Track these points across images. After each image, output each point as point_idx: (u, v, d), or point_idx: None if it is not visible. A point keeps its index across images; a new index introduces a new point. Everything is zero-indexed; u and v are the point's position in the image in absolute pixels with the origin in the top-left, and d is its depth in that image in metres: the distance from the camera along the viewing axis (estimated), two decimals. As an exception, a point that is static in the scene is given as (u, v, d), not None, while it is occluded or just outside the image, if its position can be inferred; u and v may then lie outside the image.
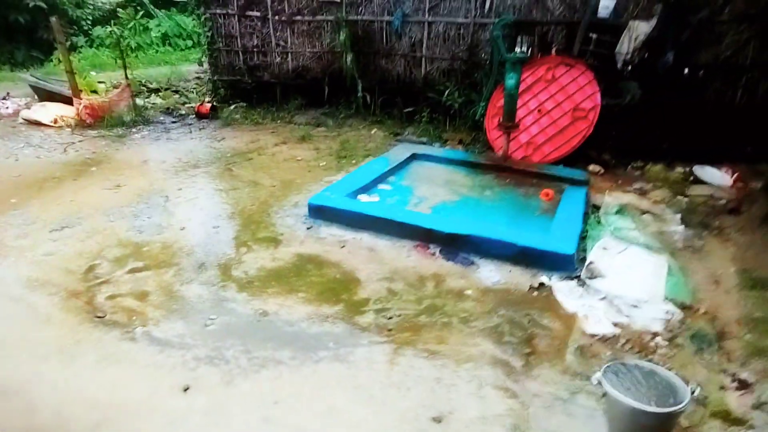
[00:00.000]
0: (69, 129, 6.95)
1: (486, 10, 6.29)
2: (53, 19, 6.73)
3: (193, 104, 8.11)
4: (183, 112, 7.85)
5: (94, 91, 7.94)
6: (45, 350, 2.51)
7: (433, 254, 3.55)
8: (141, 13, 18.84)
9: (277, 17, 7.45)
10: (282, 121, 7.42)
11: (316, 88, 7.73)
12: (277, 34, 7.61)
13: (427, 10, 6.63)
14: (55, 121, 7.11)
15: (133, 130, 6.92)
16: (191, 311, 2.82)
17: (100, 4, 21.06)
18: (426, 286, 3.17)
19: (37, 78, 7.98)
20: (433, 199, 4.45)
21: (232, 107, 7.89)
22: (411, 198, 4.46)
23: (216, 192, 4.72)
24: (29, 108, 7.81)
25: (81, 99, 7.04)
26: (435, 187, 4.75)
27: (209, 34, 8.03)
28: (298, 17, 7.35)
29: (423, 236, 3.65)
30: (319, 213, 3.97)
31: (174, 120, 7.46)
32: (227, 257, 3.43)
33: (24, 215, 4.02)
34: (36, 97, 8.88)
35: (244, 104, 8.00)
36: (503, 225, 3.78)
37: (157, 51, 18.44)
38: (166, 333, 2.63)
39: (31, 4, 17.14)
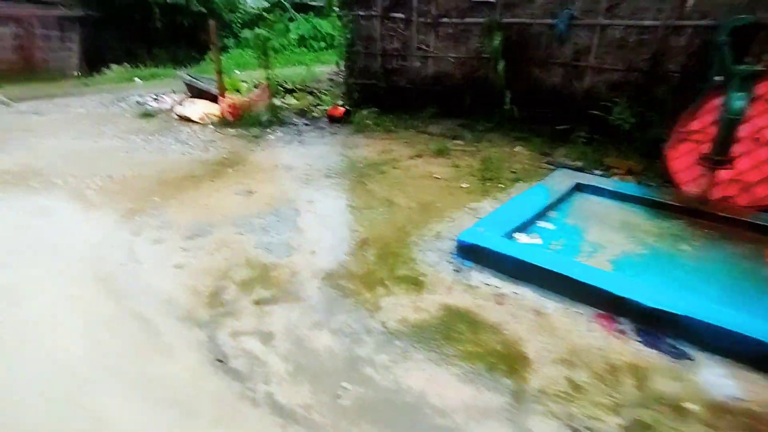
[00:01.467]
0: (212, 126, 7.17)
1: (687, 10, 5.07)
2: (211, 22, 6.96)
3: (326, 107, 7.97)
4: (316, 114, 7.72)
5: (238, 90, 8.19)
6: (162, 395, 2.15)
7: (623, 333, 2.64)
8: (286, 15, 19.94)
9: (421, 19, 6.93)
10: (415, 131, 6.89)
11: (454, 96, 7.08)
12: (420, 37, 7.09)
13: (603, 10, 5.58)
14: (202, 118, 7.39)
15: (268, 130, 6.90)
16: (321, 372, 2.30)
17: (249, 9, 22.93)
18: (622, 383, 2.29)
19: (191, 76, 8.47)
20: (610, 248, 3.49)
21: (365, 112, 7.56)
22: (582, 244, 3.56)
23: (348, 209, 4.28)
24: (182, 104, 8.30)
25: (225, 98, 7.22)
26: (610, 231, 3.78)
27: (349, 36, 7.81)
28: (445, 19, 6.76)
29: (608, 304, 2.76)
30: (469, 253, 3.26)
31: (307, 122, 7.34)
32: (362, 298, 2.89)
33: (162, 217, 3.93)
34: (189, 93, 9.50)
35: (376, 109, 7.64)
36: (729, 303, 2.72)
37: (292, 52, 19.40)
38: (291, 399, 2.13)
39: (195, 9, 19.15)
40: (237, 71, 16.26)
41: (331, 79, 10.97)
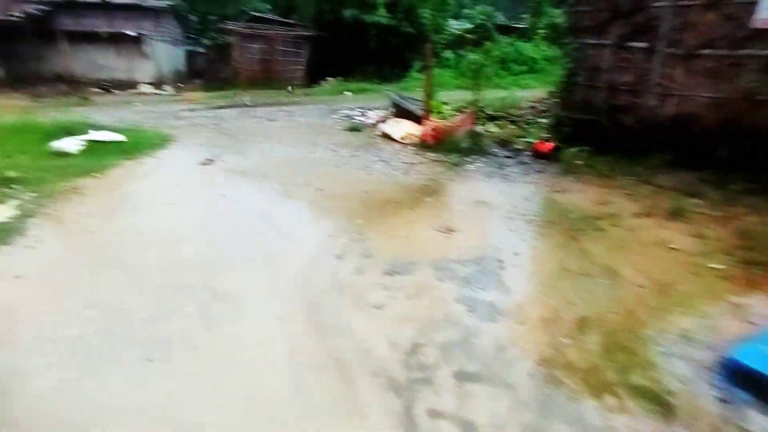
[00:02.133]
0: (413, 148, 7.23)
1: None
2: (428, 45, 7.02)
3: (530, 139, 7.38)
4: (519, 146, 7.19)
5: (441, 114, 8.16)
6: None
7: None
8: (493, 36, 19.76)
9: (671, 50, 5.82)
10: (638, 180, 5.80)
11: (699, 143, 5.75)
12: (663, 70, 5.98)
13: None
14: (404, 138, 7.53)
15: (468, 159, 6.63)
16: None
17: (452, 30, 23.49)
18: None
19: (399, 96, 8.79)
20: None
21: (575, 150, 6.73)
22: None
23: (560, 272, 3.65)
24: (386, 122, 8.65)
25: (429, 120, 7.22)
26: None
27: (570, 65, 7.07)
28: (705, 50, 5.54)
29: None
30: (747, 382, 2.36)
31: (509, 154, 6.87)
32: (586, 406, 2.28)
33: (364, 242, 3.90)
34: (393, 111, 9.90)
35: (589, 149, 6.73)
36: None
37: (493, 74, 19.14)
38: None
39: (405, 30, 20.43)
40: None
41: (532, 107, 10.27)
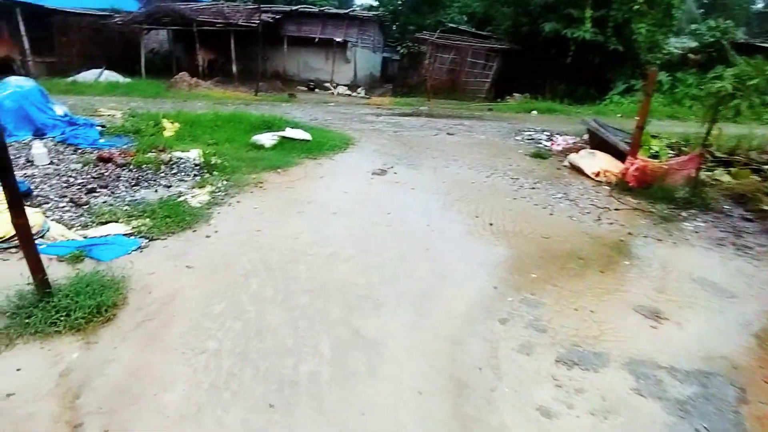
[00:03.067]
0: (608, 188, 6.03)
1: None
2: (652, 69, 5.71)
3: (782, 200, 5.48)
4: (766, 206, 5.39)
5: (652, 150, 6.70)
6: None
7: None
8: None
9: None
10: None
11: None
12: None
13: None
14: (597, 174, 6.36)
15: (684, 214, 5.19)
16: None
17: (672, 49, 20.05)
18: None
19: (597, 123, 7.53)
20: None
21: None
22: None
23: None
24: (577, 151, 7.51)
25: (635, 159, 5.91)
26: None
27: None
28: None
29: None
30: None
31: (749, 216, 5.17)
32: None
33: (536, 309, 3.14)
34: (588, 140, 8.62)
35: None
36: None
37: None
38: None
39: (611, 47, 18.13)
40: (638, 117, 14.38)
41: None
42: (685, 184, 5.70)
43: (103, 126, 6.85)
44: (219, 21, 17.34)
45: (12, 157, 5.54)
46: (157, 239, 3.86)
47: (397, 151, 7.52)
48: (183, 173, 5.56)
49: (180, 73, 15.76)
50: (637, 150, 5.97)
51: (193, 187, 5.16)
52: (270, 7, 20.42)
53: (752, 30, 22.21)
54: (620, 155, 6.58)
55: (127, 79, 15.28)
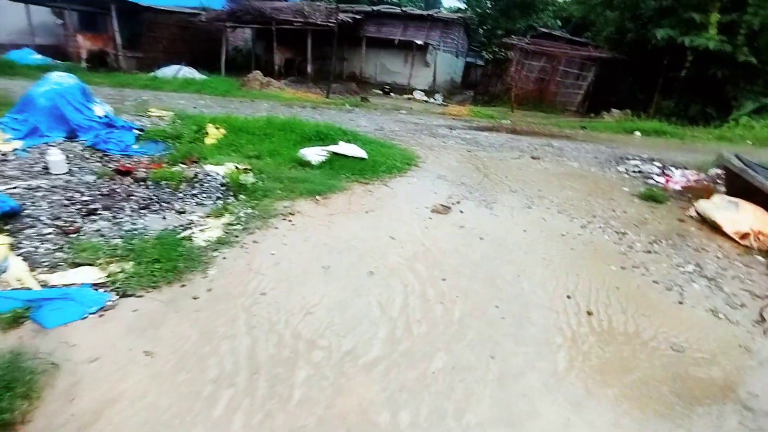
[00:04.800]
0: (763, 260, 4.28)
1: None
2: None
3: None
4: None
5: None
6: None
7: None
8: None
9: None
10: None
11: None
12: None
13: None
14: (744, 237, 4.61)
15: None
16: None
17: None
18: None
19: (740, 160, 5.64)
20: None
21: None
22: None
23: None
24: (706, 194, 5.71)
25: (814, 223, 4.11)
26: None
27: None
28: None
29: None
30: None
31: None
32: None
33: None
34: (716, 176, 6.73)
35: None
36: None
37: None
38: None
39: (741, 59, 15.21)
40: (776, 148, 11.69)
41: None
42: None
43: (141, 130, 6.24)
44: (298, 20, 16.93)
45: (29, 162, 5.18)
46: (131, 295, 2.93)
47: (468, 178, 6.19)
48: (205, 194, 4.68)
49: (253, 72, 15.48)
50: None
51: (209, 216, 4.24)
52: (351, 6, 19.79)
53: None
54: (779, 211, 4.76)
55: (203, 76, 15.27)
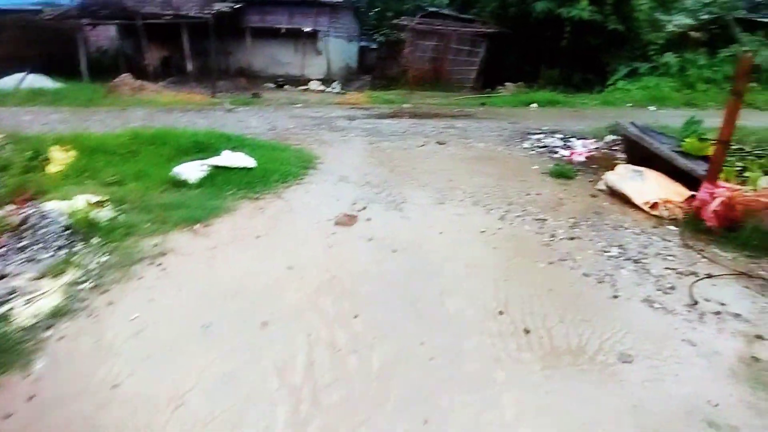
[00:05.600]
0: (674, 228, 4.22)
1: None
2: (746, 55, 3.84)
3: None
4: None
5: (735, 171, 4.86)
6: None
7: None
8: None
9: None
10: None
11: None
12: None
13: None
14: (654, 207, 4.54)
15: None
16: None
17: (672, 28, 18.31)
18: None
19: (638, 128, 5.67)
20: None
21: None
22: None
23: None
24: (609, 165, 5.68)
25: (718, 187, 4.08)
26: None
27: None
28: None
29: None
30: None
31: None
32: None
33: None
34: (611, 142, 6.82)
35: None
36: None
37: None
38: None
39: (611, 27, 16.30)
40: (653, 108, 12.63)
41: None
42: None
43: (-51, 165, 4.80)
44: (167, 13, 15.07)
45: None
46: None
47: (373, 176, 5.61)
48: (39, 245, 3.57)
49: (122, 76, 13.51)
50: (718, 174, 4.14)
51: (43, 276, 3.20)
52: (228, -6, 18.12)
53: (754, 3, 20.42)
54: (679, 174, 4.78)
55: (58, 84, 13.02)
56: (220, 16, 15.43)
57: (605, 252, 3.71)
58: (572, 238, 3.95)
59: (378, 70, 20.50)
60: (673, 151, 5.26)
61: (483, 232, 4.06)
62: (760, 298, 3.14)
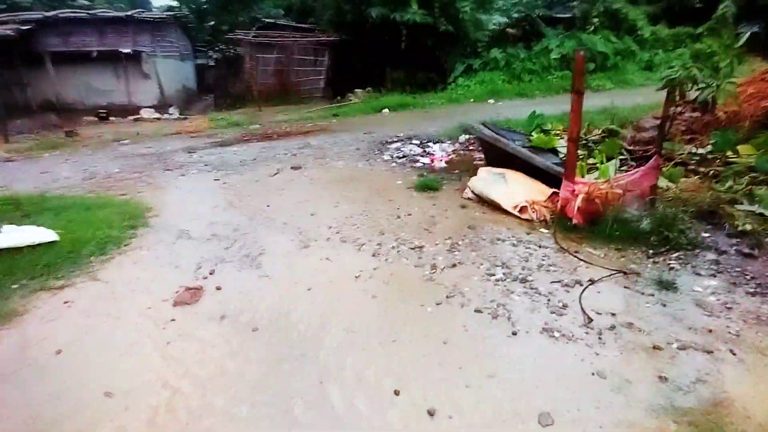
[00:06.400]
0: (545, 231, 4.14)
1: None
2: (581, 52, 3.86)
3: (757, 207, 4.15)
4: (744, 225, 3.97)
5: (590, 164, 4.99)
6: None
7: None
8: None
9: None
10: None
11: None
12: None
13: None
14: (523, 210, 4.44)
15: (668, 260, 3.51)
16: None
17: (492, 26, 20.16)
18: None
19: (490, 128, 5.66)
20: None
21: None
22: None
23: None
24: (470, 168, 5.58)
25: (575, 183, 4.09)
26: None
27: None
28: None
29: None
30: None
31: (745, 250, 3.66)
32: None
33: None
34: (465, 142, 6.84)
35: None
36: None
37: (553, 75, 15.79)
38: None
39: (442, 29, 17.25)
40: (491, 100, 13.54)
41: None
42: (639, 207, 4.07)
43: None
44: None
45: None
46: None
47: (220, 224, 4.68)
48: None
49: None
50: (574, 171, 4.16)
51: None
52: (14, 15, 14.93)
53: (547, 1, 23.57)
54: (536, 170, 4.80)
55: None
56: (1, 42, 12.54)
57: (491, 276, 3.40)
58: (454, 265, 3.57)
59: (220, 89, 18.93)
60: (525, 147, 5.32)
61: (357, 277, 3.48)
62: (641, 297, 3.08)
